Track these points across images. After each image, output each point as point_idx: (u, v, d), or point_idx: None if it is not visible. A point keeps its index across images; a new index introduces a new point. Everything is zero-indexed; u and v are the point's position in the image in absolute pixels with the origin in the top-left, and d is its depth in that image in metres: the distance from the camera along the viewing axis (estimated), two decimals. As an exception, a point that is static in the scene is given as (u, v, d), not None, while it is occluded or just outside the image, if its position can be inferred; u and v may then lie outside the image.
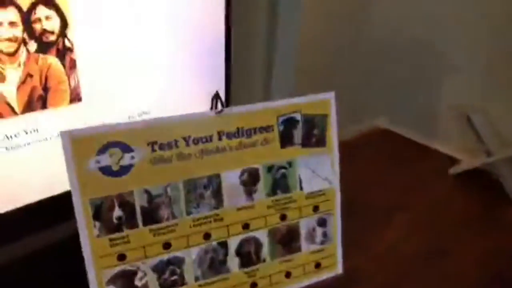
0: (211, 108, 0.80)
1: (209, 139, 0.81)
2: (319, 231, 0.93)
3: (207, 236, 0.83)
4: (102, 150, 0.74)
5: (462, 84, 2.45)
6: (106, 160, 0.74)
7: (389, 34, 2.57)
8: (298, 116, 0.87)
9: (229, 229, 0.85)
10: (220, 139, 0.81)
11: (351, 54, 2.48)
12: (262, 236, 0.88)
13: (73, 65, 1.12)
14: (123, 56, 1.20)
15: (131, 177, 0.76)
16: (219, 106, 0.80)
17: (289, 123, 0.87)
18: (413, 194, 2.27)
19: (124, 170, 0.76)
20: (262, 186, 0.87)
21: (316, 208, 0.92)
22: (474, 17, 2.28)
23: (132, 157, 0.76)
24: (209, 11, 1.34)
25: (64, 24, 1.06)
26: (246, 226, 0.86)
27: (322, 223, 0.94)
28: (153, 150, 0.77)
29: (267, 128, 0.85)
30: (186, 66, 1.35)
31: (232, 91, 1.45)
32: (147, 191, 0.77)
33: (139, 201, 0.77)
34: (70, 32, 1.07)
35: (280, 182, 0.88)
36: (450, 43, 2.43)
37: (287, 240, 0.91)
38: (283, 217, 0.89)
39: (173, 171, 0.79)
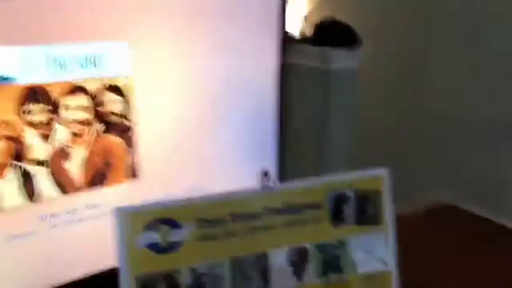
0: (260, 184, 0.80)
1: (256, 216, 0.79)
2: (376, 319, 0.85)
3: (254, 321, 0.79)
4: (151, 226, 0.75)
5: None
6: (154, 236, 0.75)
7: (456, 108, 2.52)
8: (349, 192, 0.84)
9: (278, 313, 0.80)
10: (268, 216, 0.80)
11: (409, 127, 2.44)
12: (314, 322, 0.82)
13: (132, 144, 1.19)
14: (181, 138, 1.26)
15: (178, 254, 0.75)
16: (269, 182, 0.79)
17: (340, 200, 0.84)
18: (490, 284, 2.04)
19: (172, 247, 0.75)
20: (312, 267, 0.82)
21: (372, 293, 0.85)
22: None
23: (180, 234, 0.76)
24: (262, 96, 1.39)
25: (127, 107, 1.15)
26: (296, 311, 0.81)
27: (379, 310, 0.86)
28: (201, 227, 0.77)
29: (316, 205, 0.82)
30: (238, 145, 1.39)
31: (286, 170, 1.45)
32: (193, 269, 0.76)
33: (186, 280, 0.76)
34: (133, 115, 1.15)
35: (332, 263, 0.83)
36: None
37: (341, 328, 0.84)
38: (335, 302, 0.83)
39: (220, 249, 0.77)
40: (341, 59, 1.46)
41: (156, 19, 1.12)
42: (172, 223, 0.75)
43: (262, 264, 0.79)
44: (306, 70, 1.50)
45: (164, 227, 0.75)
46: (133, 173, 1.21)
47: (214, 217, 0.77)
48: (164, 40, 1.14)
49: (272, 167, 1.42)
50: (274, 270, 0.80)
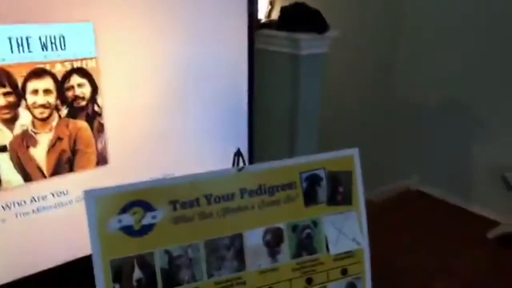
0: (233, 165, 0.80)
1: (230, 197, 0.79)
2: (348, 296, 0.87)
3: (229, 301, 0.79)
4: (124, 209, 0.73)
5: (496, 143, 2.39)
6: (128, 219, 0.73)
7: (419, 94, 2.58)
8: (321, 173, 0.85)
9: (252, 293, 0.81)
10: (242, 197, 0.80)
11: (378, 113, 2.49)
12: (288, 301, 0.83)
13: (101, 128, 1.16)
14: (149, 120, 1.24)
15: (152, 237, 0.74)
16: (241, 163, 0.79)
17: (312, 180, 0.85)
18: (452, 260, 2.14)
19: (146, 229, 0.74)
20: (286, 247, 0.83)
21: (344, 271, 0.87)
22: (507, 75, 2.27)
23: (154, 217, 0.75)
24: (233, 77, 1.39)
25: (94, 90, 1.11)
26: (270, 290, 0.82)
27: (351, 287, 0.88)
28: (175, 209, 0.76)
29: (290, 186, 0.83)
30: (210, 129, 1.38)
31: (256, 152, 1.45)
32: (167, 252, 0.75)
33: (160, 263, 0.75)
34: (100, 98, 1.12)
35: (306, 243, 0.84)
36: (482, 102, 2.41)
37: (314, 306, 0.85)
38: (309, 281, 0.84)
39: (195, 230, 0.77)
40: (310, 45, 1.46)
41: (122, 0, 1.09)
42: (145, 206, 0.74)
43: (237, 245, 0.79)
44: (276, 55, 1.50)
45: (137, 210, 0.74)
46: (102, 159, 1.18)
47: (188, 198, 0.76)
48: (131, 21, 1.11)
49: (244, 150, 1.42)
50: (249, 250, 0.80)
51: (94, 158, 1.15)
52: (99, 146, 1.15)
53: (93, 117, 1.12)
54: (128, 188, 0.73)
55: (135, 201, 0.74)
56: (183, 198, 0.76)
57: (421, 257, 2.12)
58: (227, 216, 0.79)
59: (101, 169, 1.17)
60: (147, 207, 0.74)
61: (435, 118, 2.62)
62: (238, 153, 0.79)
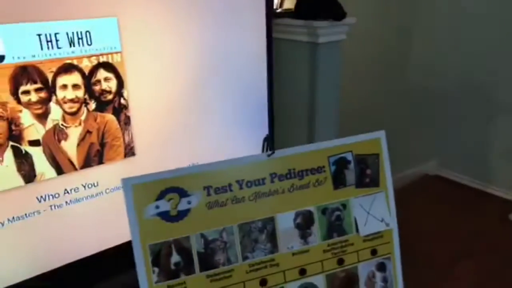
0: (262, 151, 0.81)
1: (261, 181, 0.81)
2: (378, 276, 0.89)
3: (263, 283, 0.81)
4: (161, 195, 0.75)
5: None
6: (164, 205, 0.76)
7: (437, 79, 2.57)
8: (349, 156, 0.87)
9: (285, 274, 0.82)
10: (272, 181, 0.82)
11: (393, 99, 2.48)
12: (320, 282, 0.85)
13: (127, 121, 1.18)
14: (174, 111, 1.26)
15: (188, 222, 0.77)
16: (269, 148, 0.81)
17: (340, 164, 0.86)
18: (474, 242, 2.14)
19: (181, 214, 0.77)
20: (317, 229, 0.85)
21: (374, 252, 0.89)
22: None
23: (189, 202, 0.77)
24: (253, 66, 1.40)
25: (120, 84, 1.14)
26: (302, 272, 0.84)
27: (381, 267, 0.90)
28: (209, 194, 0.78)
29: (318, 169, 0.85)
30: (233, 119, 1.40)
31: (276, 139, 1.47)
32: (203, 236, 0.78)
33: (196, 246, 0.77)
34: (125, 91, 1.14)
35: (335, 225, 0.86)
36: (500, 84, 2.38)
37: (346, 286, 0.87)
38: (340, 262, 0.86)
39: (228, 215, 0.79)
40: (327, 32, 1.47)
41: (145, -6, 1.11)
42: (181, 192, 0.77)
43: (269, 228, 0.82)
44: (293, 44, 1.50)
45: (173, 196, 0.76)
46: (129, 151, 1.20)
47: (221, 184, 0.79)
48: (153, 15, 1.13)
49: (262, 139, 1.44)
50: (281, 233, 0.82)
51: (121, 150, 1.17)
52: (126, 138, 1.17)
53: (119, 110, 1.14)
54: (164, 175, 0.76)
55: (171, 187, 0.76)
56: (216, 184, 0.78)
57: (443, 241, 2.12)
58: (258, 200, 0.81)
59: (129, 160, 1.20)
60: (182, 193, 0.77)
61: (450, 102, 2.61)
62: (267, 139, 0.80)
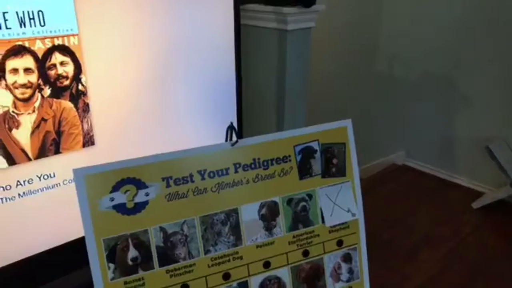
0: (226, 140, 0.78)
1: (225, 172, 0.78)
2: (344, 267, 0.87)
3: (226, 276, 0.78)
4: (116, 187, 0.71)
5: (479, 116, 2.42)
6: (120, 197, 0.71)
7: (403, 69, 2.58)
8: (315, 145, 0.84)
9: (249, 268, 0.80)
10: (236, 171, 0.79)
11: (362, 89, 2.48)
12: (285, 275, 0.83)
13: (86, 108, 1.12)
14: (137, 98, 1.20)
15: (146, 214, 0.73)
16: (234, 138, 0.78)
17: (306, 153, 0.84)
18: (438, 230, 2.18)
19: (139, 207, 0.73)
20: (282, 221, 0.83)
21: (340, 243, 0.87)
22: (492, 50, 2.28)
23: (147, 194, 0.73)
24: (220, 53, 1.35)
25: (78, 69, 1.07)
26: (267, 265, 0.81)
27: (347, 258, 0.88)
28: (168, 186, 0.74)
29: (284, 159, 0.82)
30: (199, 106, 1.35)
31: (245, 128, 1.44)
32: (162, 229, 0.74)
33: (155, 240, 0.73)
34: (84, 77, 1.08)
35: (301, 216, 0.84)
36: (463, 76, 2.42)
37: (311, 278, 0.85)
38: (305, 253, 0.84)
39: (189, 207, 0.76)
40: (296, 19, 1.44)
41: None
42: (138, 183, 0.72)
43: (232, 220, 0.78)
44: (262, 30, 1.47)
45: (129, 187, 0.72)
46: (89, 140, 1.15)
47: (181, 174, 0.75)
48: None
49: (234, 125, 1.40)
50: (245, 225, 0.79)
51: (80, 139, 1.12)
52: (85, 126, 1.11)
53: (77, 96, 1.08)
54: (119, 165, 0.71)
55: (127, 178, 0.72)
56: (176, 174, 0.75)
57: (408, 229, 2.15)
58: (222, 191, 0.78)
59: (89, 150, 1.14)
60: (140, 184, 0.73)
61: (419, 93, 2.64)
62: (231, 127, 0.77)
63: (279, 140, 0.82)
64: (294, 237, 0.83)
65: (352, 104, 2.43)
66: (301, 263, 0.84)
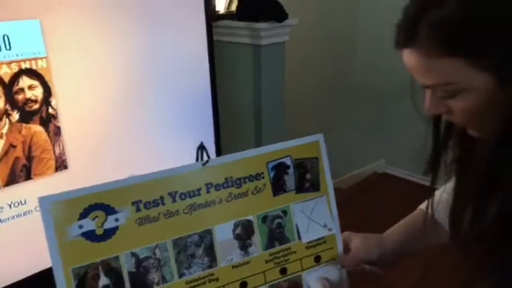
0: (197, 159, 0.77)
1: (197, 192, 0.77)
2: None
3: (202, 299, 0.77)
4: (84, 214, 0.69)
5: None
6: (89, 224, 0.70)
7: (378, 79, 2.61)
8: (288, 161, 0.84)
9: (226, 289, 0.79)
10: (208, 191, 0.77)
11: (339, 100, 2.50)
12: (263, 294, 0.82)
13: (57, 132, 1.10)
14: (110, 120, 1.19)
15: (116, 240, 0.71)
16: (205, 157, 0.77)
17: (279, 169, 0.83)
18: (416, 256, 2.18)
19: (109, 233, 0.71)
20: (257, 239, 0.81)
21: (318, 258, 0.86)
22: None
23: (117, 219, 0.71)
24: (195, 70, 1.35)
25: (47, 92, 1.06)
26: (243, 285, 0.80)
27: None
28: (138, 210, 0.72)
29: (257, 176, 0.81)
30: (175, 124, 1.34)
31: (223, 145, 1.43)
32: (134, 254, 0.72)
33: (126, 266, 0.72)
34: (54, 99, 1.06)
35: (277, 233, 0.83)
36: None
37: (290, 296, 0.84)
38: (283, 271, 0.83)
39: (161, 230, 0.74)
40: (270, 34, 1.45)
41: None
42: (107, 209, 0.71)
43: (206, 241, 0.77)
44: (237, 46, 1.47)
45: (98, 213, 0.70)
46: (61, 164, 1.12)
47: (151, 198, 0.73)
48: (81, 16, 1.06)
49: (210, 143, 1.40)
50: (219, 246, 0.78)
51: (52, 164, 1.09)
52: (57, 150, 1.09)
53: (48, 120, 1.06)
54: (86, 191, 0.70)
55: (95, 204, 0.70)
56: (146, 198, 0.73)
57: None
58: (194, 212, 0.76)
59: (61, 174, 1.12)
60: (109, 210, 0.71)
61: (396, 102, 2.67)
62: (201, 147, 0.76)
63: (252, 158, 0.82)
64: (270, 255, 0.82)
65: (330, 115, 2.45)
66: (279, 281, 0.83)
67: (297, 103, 2.07)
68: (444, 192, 0.85)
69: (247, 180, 0.81)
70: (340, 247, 0.88)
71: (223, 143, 1.46)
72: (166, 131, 1.29)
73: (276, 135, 1.52)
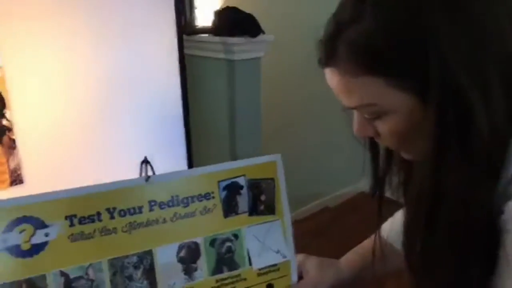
0: (140, 175, 0.73)
1: (138, 210, 0.72)
2: (275, 314, 0.80)
3: (138, 327, 0.71)
4: (10, 226, 0.64)
5: None
6: (14, 238, 0.65)
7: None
8: (242, 181, 0.79)
9: (165, 316, 0.73)
10: (151, 209, 0.73)
11: (324, 116, 2.46)
12: (208, 324, 0.76)
13: (12, 145, 1.06)
14: (70, 132, 1.15)
15: (45, 257, 0.66)
16: (150, 172, 0.73)
17: (232, 189, 0.79)
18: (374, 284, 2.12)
19: (36, 249, 0.66)
20: (204, 263, 0.76)
21: (270, 287, 0.81)
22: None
23: (47, 234, 0.66)
24: (165, 84, 1.32)
25: (1, 103, 1.02)
26: (186, 312, 0.74)
27: (280, 303, 0.82)
28: (72, 225, 0.68)
29: (206, 196, 0.77)
30: (144, 140, 1.30)
31: (196, 162, 1.39)
32: (63, 274, 0.67)
33: (54, 286, 0.66)
34: (8, 111, 1.03)
35: (226, 258, 0.78)
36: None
37: (238, 328, 0.78)
38: (231, 299, 0.78)
39: (96, 248, 0.69)
40: (244, 49, 1.43)
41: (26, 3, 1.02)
42: (36, 222, 0.66)
43: (146, 263, 0.72)
44: (210, 61, 1.45)
45: (26, 227, 0.65)
46: (16, 178, 1.08)
47: (87, 213, 0.69)
48: (40, 25, 1.03)
49: (182, 160, 1.35)
50: (160, 269, 0.73)
51: (7, 178, 1.05)
52: (12, 164, 1.05)
53: (2, 132, 1.02)
54: (13, 202, 0.65)
55: (23, 217, 0.65)
56: (81, 213, 0.68)
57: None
58: (134, 231, 0.72)
59: (16, 189, 1.07)
60: (38, 223, 0.66)
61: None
62: (145, 161, 0.72)
63: (202, 175, 0.77)
64: (217, 281, 0.77)
65: (312, 132, 2.41)
66: (225, 310, 0.77)
67: (276, 121, 2.03)
68: (398, 214, 0.81)
69: (195, 199, 0.76)
70: (294, 276, 0.83)
71: (196, 161, 1.42)
72: (134, 146, 1.25)
73: (252, 155, 1.47)
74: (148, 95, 1.25)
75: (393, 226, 0.82)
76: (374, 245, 0.77)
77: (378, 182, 0.71)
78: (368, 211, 2.75)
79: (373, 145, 0.68)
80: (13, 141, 1.05)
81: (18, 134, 1.05)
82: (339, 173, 2.56)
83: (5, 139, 1.04)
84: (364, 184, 2.80)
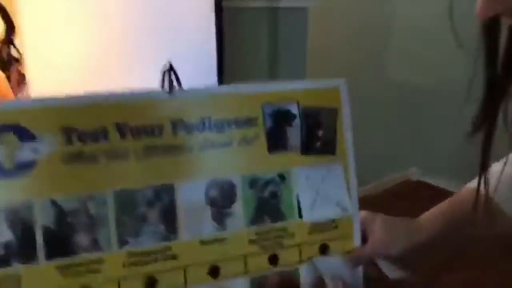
0: (162, 86, 0.56)
1: (157, 131, 0.55)
2: (331, 284, 0.61)
3: (151, 284, 0.53)
4: (-11, 136, 0.49)
5: (501, 128, 2.19)
6: (-6, 152, 0.49)
7: (414, 79, 2.40)
8: (294, 108, 0.61)
9: (186, 273, 0.54)
10: (174, 132, 0.55)
11: (375, 97, 2.28)
12: (242, 289, 0.57)
13: (21, 80, 0.92)
14: (94, 73, 1.00)
15: (32, 180, 0.49)
16: (173, 84, 0.55)
17: (280, 118, 0.60)
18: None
19: (21, 168, 0.49)
20: (240, 209, 0.58)
21: (324, 248, 0.61)
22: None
23: (35, 150, 0.50)
24: (199, 37, 1.17)
25: (10, 28, 0.88)
26: (214, 271, 0.56)
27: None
28: (69, 142, 0.51)
29: (247, 122, 0.59)
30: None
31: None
32: (55, 204, 0.50)
33: (42, 219, 0.50)
34: (18, 39, 0.89)
35: (269, 205, 0.59)
36: (480, 87, 2.21)
37: (281, 298, 0.59)
38: (273, 259, 0.58)
39: (99, 175, 0.52)
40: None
41: None
42: (23, 132, 0.50)
43: (165, 201, 0.54)
44: (248, 11, 1.27)
45: (10, 138, 0.49)
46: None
47: (91, 127, 0.52)
48: None
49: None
50: (184, 210, 0.55)
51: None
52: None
53: (9, 63, 0.88)
54: (-4, 103, 0.49)
55: (4, 125, 0.49)
56: (83, 126, 0.52)
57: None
58: (150, 158, 0.54)
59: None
60: (26, 134, 0.50)
61: (433, 107, 2.46)
62: (170, 69, 0.55)
63: (242, 95, 0.59)
64: (257, 233, 0.58)
65: (364, 111, 2.23)
66: (266, 272, 0.58)
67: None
68: (507, 165, 0.60)
69: (232, 125, 0.58)
70: (357, 237, 0.63)
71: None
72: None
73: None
74: (183, 43, 1.10)
75: (499, 185, 0.61)
76: (477, 194, 0.56)
77: (488, 107, 0.51)
78: (413, 200, 2.61)
79: (491, 41, 0.48)
80: (23, 76, 0.91)
81: (28, 69, 0.91)
82: (386, 160, 2.38)
83: (13, 72, 0.90)
84: (411, 172, 2.60)
